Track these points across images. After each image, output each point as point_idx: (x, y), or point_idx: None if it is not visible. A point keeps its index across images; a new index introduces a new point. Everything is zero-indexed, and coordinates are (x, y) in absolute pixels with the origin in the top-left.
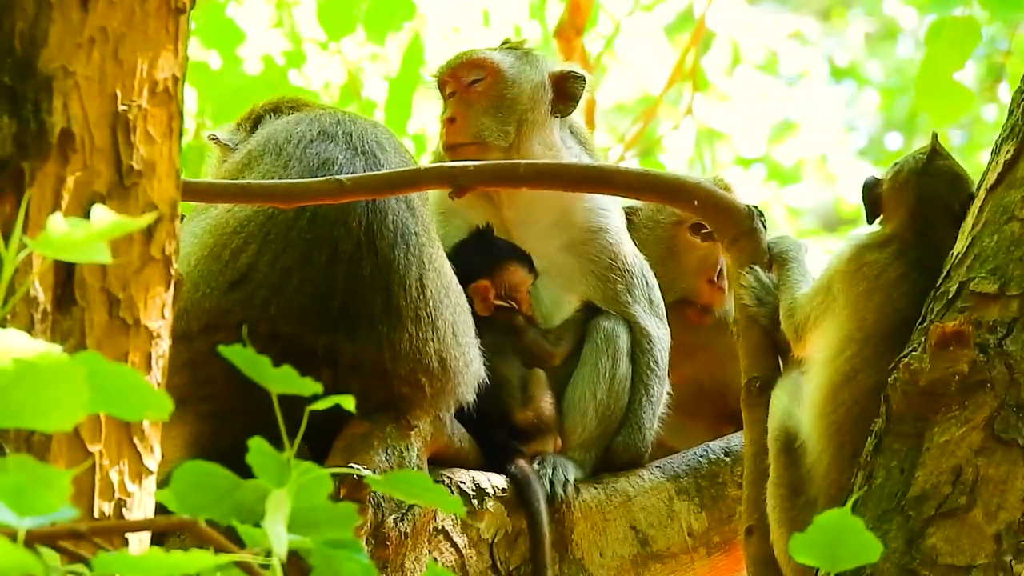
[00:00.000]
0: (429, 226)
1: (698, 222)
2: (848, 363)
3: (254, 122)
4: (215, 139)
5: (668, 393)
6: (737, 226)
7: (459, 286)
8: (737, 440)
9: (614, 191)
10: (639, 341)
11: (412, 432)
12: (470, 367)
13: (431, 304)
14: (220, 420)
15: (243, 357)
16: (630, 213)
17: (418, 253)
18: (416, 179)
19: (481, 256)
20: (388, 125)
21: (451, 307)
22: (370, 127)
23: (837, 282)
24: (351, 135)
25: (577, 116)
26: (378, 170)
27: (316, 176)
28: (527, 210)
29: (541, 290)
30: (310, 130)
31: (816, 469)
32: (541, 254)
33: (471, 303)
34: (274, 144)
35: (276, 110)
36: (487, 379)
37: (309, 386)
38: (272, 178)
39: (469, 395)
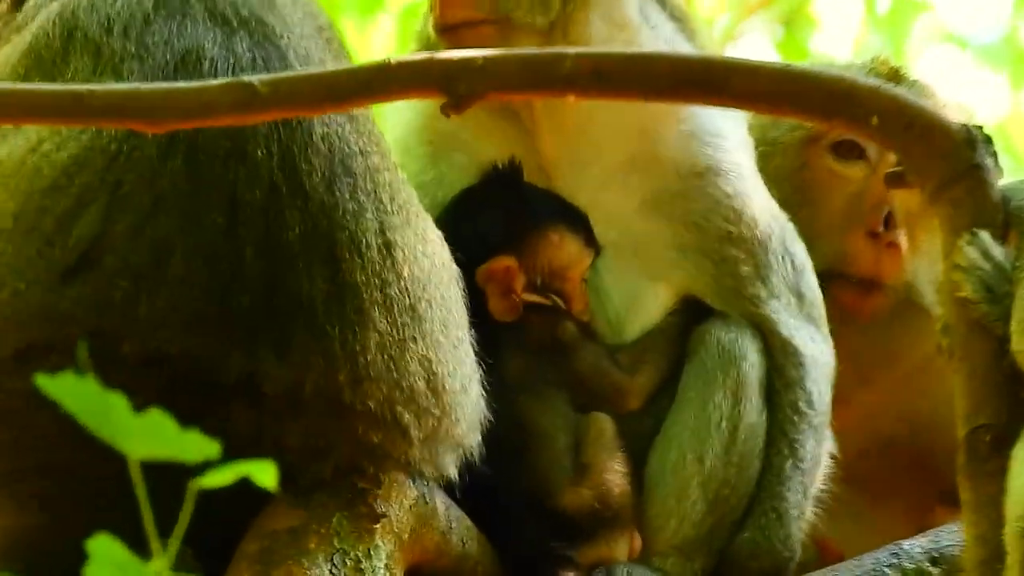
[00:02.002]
0: (377, 137)
1: (847, 138)
2: None
3: None
4: None
5: (832, 456)
6: (947, 162)
7: (439, 239)
8: (952, 536)
9: (732, 102)
10: (780, 365)
11: (378, 525)
12: (468, 392)
13: (406, 274)
14: (51, 506)
15: (78, 394)
16: None
17: (371, 187)
18: (383, 82)
19: (501, 215)
20: None
21: (435, 276)
22: None
23: None
24: None
25: None
26: (276, 47)
27: (176, 82)
28: (580, 137)
29: (606, 278)
30: (137, 1)
31: None
32: (607, 215)
33: (478, 298)
34: (81, 36)
35: None
36: (511, 435)
37: (196, 446)
38: None
39: (471, 442)
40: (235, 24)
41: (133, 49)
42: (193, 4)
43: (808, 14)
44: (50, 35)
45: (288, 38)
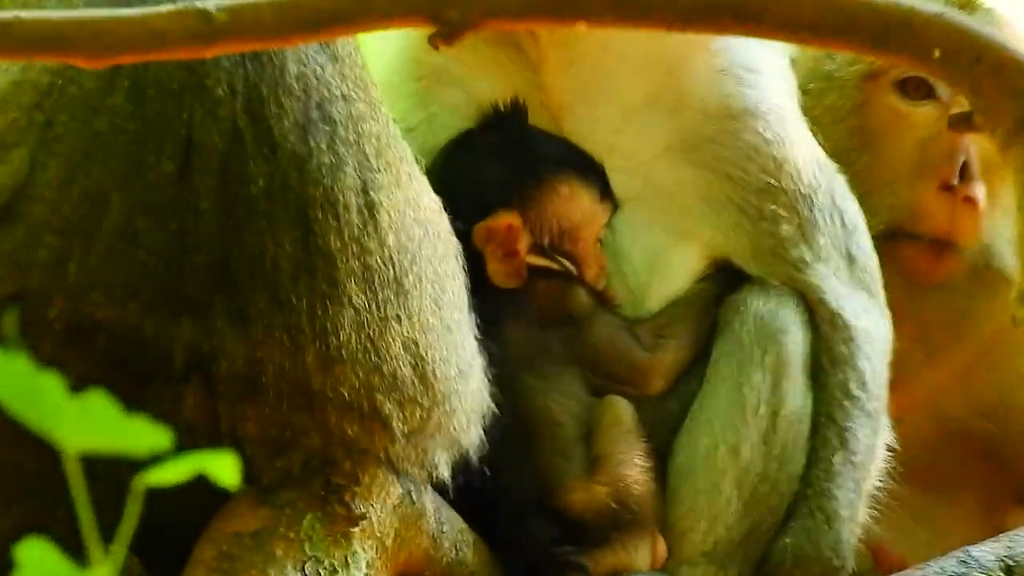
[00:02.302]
0: (366, 82)
1: (915, 74)
2: None
3: None
4: None
5: (889, 448)
6: (1022, 102)
7: (436, 205)
8: None
9: (771, 31)
10: (829, 341)
11: (358, 529)
12: (468, 380)
13: (391, 242)
14: None
15: (3, 373)
16: None
17: (354, 138)
18: (361, 8)
19: (502, 164)
20: None
21: (427, 247)
22: None
23: None
24: None
25: None
26: None
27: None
28: (595, 73)
29: (625, 238)
30: None
31: None
32: (624, 163)
33: (477, 260)
34: None
35: None
36: (512, 421)
37: (143, 436)
38: None
39: (469, 439)
40: None
41: None
42: None
43: None
44: None
45: None
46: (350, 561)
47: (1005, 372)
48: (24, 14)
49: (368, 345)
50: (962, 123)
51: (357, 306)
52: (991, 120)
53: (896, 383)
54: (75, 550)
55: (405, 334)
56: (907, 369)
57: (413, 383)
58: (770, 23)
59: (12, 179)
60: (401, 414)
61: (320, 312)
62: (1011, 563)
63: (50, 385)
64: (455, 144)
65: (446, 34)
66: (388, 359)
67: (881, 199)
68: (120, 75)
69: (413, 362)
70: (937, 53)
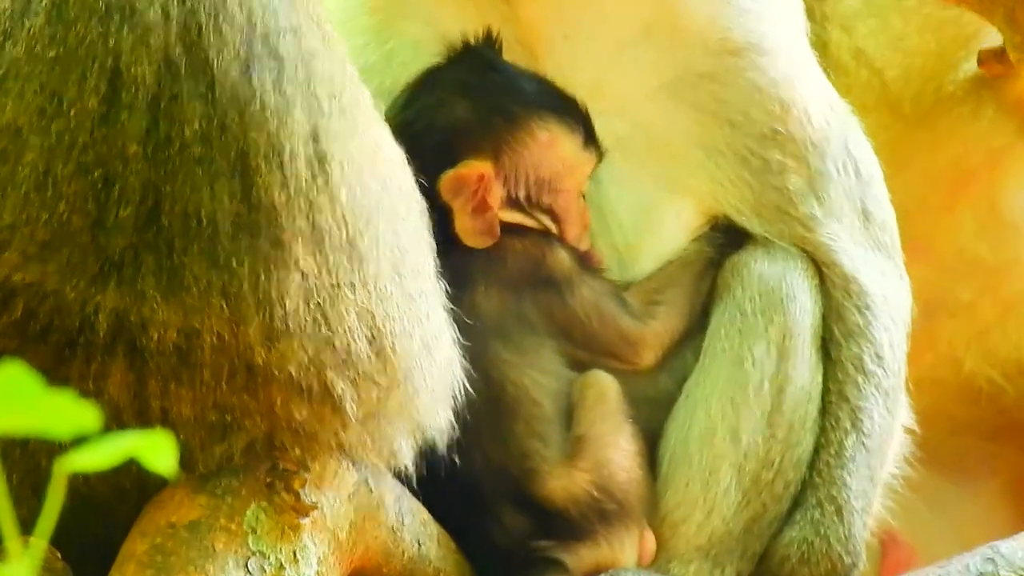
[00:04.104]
0: (320, 16)
1: None
2: None
3: None
4: None
5: (906, 428)
6: None
7: (399, 158)
8: None
9: None
10: (841, 309)
11: (308, 520)
12: (434, 354)
13: (343, 199)
14: None
15: None
16: None
17: (304, 78)
18: None
19: (472, 105)
20: None
21: (387, 205)
22: None
23: None
24: None
25: None
26: None
27: None
28: (577, 4)
29: (612, 189)
30: None
31: None
32: (611, 104)
33: (443, 216)
34: None
35: None
36: (483, 397)
37: (69, 414)
38: None
39: (437, 422)
40: None
41: None
42: None
43: None
44: None
45: None
46: (299, 556)
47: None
48: None
49: (318, 316)
50: (992, 59)
51: (305, 271)
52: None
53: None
54: None
55: (360, 303)
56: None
57: (369, 359)
58: None
59: None
60: (355, 394)
61: (263, 277)
62: None
63: None
64: (417, 83)
65: None
66: (340, 332)
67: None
68: None
69: (369, 335)
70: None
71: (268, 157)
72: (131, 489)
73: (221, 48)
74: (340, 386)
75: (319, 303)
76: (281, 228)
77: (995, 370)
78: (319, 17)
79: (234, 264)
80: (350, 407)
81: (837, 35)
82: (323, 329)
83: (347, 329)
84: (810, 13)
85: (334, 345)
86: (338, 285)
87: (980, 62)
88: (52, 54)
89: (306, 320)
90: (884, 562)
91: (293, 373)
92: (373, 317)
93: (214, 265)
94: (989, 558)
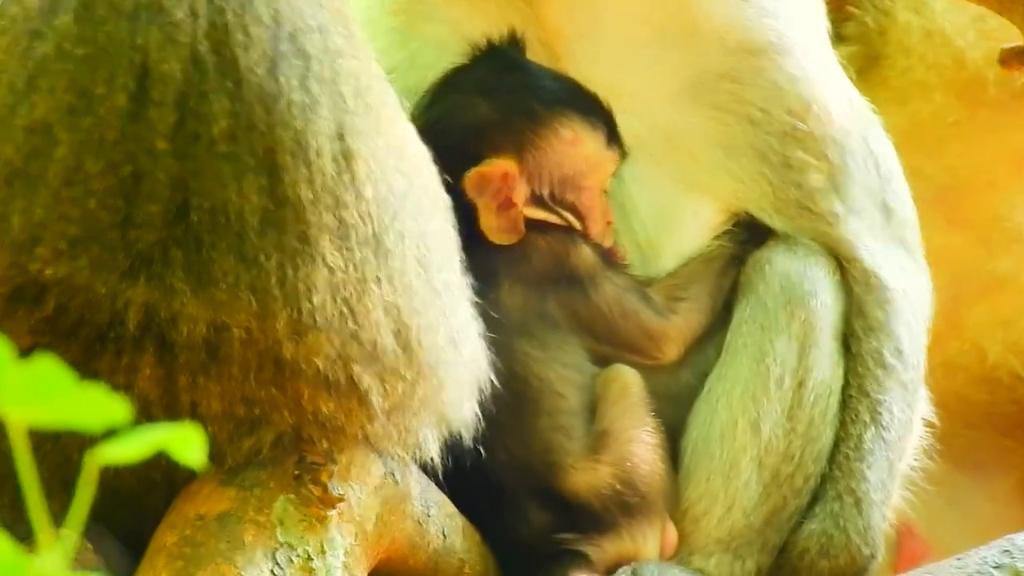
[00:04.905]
0: (346, 16)
1: None
2: None
3: None
4: None
5: (926, 423)
6: None
7: (424, 154)
8: None
9: None
10: (862, 304)
11: (335, 512)
12: (461, 349)
13: (369, 195)
14: None
15: None
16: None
17: (330, 76)
18: None
19: (496, 105)
20: None
21: (412, 202)
22: None
23: None
24: None
25: None
26: None
27: None
28: (598, 4)
29: (634, 187)
30: None
31: None
32: (632, 104)
33: (468, 213)
34: None
35: None
36: (507, 391)
37: (100, 407)
38: None
39: (462, 415)
40: None
41: None
42: None
43: None
44: None
45: None
46: (326, 548)
47: None
48: None
49: (344, 310)
50: (1014, 58)
51: (332, 266)
52: None
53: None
54: (22, 535)
55: (386, 298)
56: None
57: (395, 353)
58: None
59: None
60: (381, 388)
61: (291, 272)
62: None
63: None
64: (442, 82)
65: None
66: (367, 326)
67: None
68: None
69: (395, 329)
70: None
71: (294, 154)
72: (161, 482)
73: (248, 46)
74: (366, 380)
75: (345, 298)
76: (308, 224)
77: (1018, 360)
78: (345, 17)
79: (262, 259)
80: (376, 400)
81: (906, 17)
82: (350, 323)
83: (373, 323)
84: (869, 2)
85: (360, 339)
86: (364, 280)
87: (1001, 61)
88: (81, 52)
89: (333, 314)
90: (900, 553)
91: (320, 367)
92: (399, 311)
93: (242, 260)
94: (1006, 550)
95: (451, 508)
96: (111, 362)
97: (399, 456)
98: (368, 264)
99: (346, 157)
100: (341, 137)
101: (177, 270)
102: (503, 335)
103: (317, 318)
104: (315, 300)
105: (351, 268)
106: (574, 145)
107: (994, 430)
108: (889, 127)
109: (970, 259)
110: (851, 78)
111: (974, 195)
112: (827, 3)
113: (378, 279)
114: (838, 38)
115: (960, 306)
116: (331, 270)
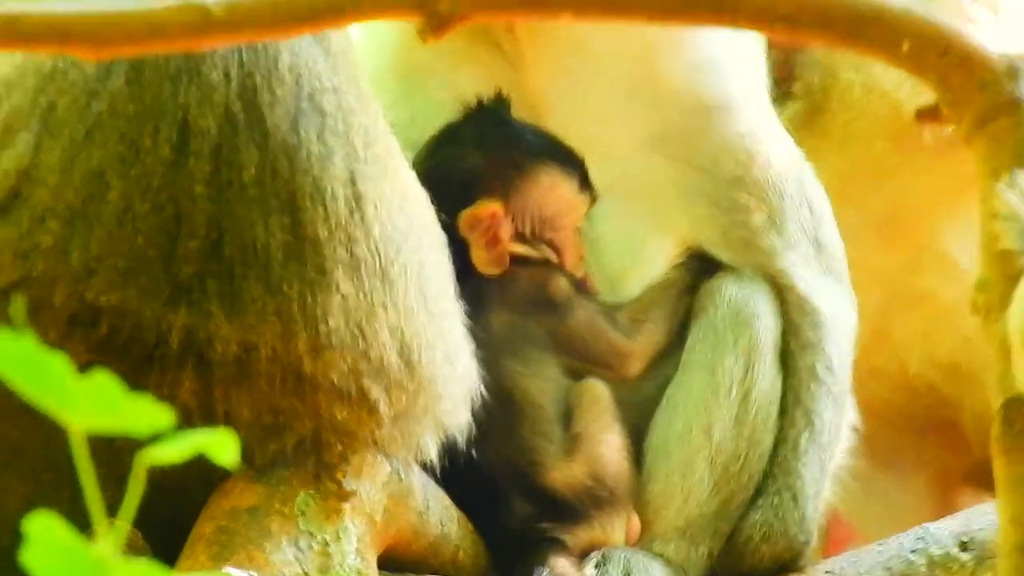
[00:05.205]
0: (358, 77)
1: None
2: None
3: None
4: None
5: (853, 428)
6: (986, 94)
7: (424, 198)
8: (984, 518)
9: (746, 23)
10: (797, 325)
11: (348, 504)
12: (455, 365)
13: (376, 232)
14: None
15: (11, 354)
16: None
17: (343, 130)
18: (353, 1)
19: (485, 156)
20: None
21: (413, 238)
22: None
23: None
24: None
25: None
26: None
27: None
28: (574, 68)
29: (603, 227)
30: None
31: None
32: (602, 155)
33: (461, 248)
34: None
35: None
36: (495, 401)
37: (146, 414)
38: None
39: (457, 421)
40: None
41: None
42: None
43: None
44: None
45: None
46: (341, 535)
47: (965, 335)
48: (32, 8)
49: (356, 332)
50: (929, 115)
51: (345, 293)
52: (956, 112)
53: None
54: (80, 527)
55: (391, 321)
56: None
57: (399, 368)
58: (745, 14)
59: (17, 163)
60: (388, 398)
61: (310, 299)
62: (965, 539)
63: (57, 366)
64: (440, 136)
65: (435, 26)
66: (375, 345)
67: None
68: (115, 64)
69: (399, 348)
70: (906, 46)
71: (313, 197)
72: (199, 480)
73: (273, 105)
74: (375, 391)
75: (357, 321)
76: (324, 257)
77: (933, 371)
78: (356, 79)
79: (285, 288)
80: (384, 409)
81: (847, 75)
82: (360, 343)
83: (380, 343)
84: (814, 65)
85: (369, 356)
86: (372, 306)
87: (917, 117)
88: (131, 110)
89: (346, 335)
90: (829, 539)
91: (335, 380)
92: (402, 333)
93: (268, 289)
94: (920, 537)
95: (448, 501)
96: (156, 377)
97: (403, 457)
98: (376, 292)
99: (357, 200)
100: (353, 183)
101: (213, 298)
102: (491, 353)
103: (332, 339)
104: (331, 323)
105: (361, 296)
106: (552, 190)
107: (911, 432)
108: (833, 169)
109: (900, 279)
110: (800, 129)
111: (908, 225)
112: (778, 65)
113: (384, 305)
114: (787, 96)
115: (888, 321)
116: (344, 297)
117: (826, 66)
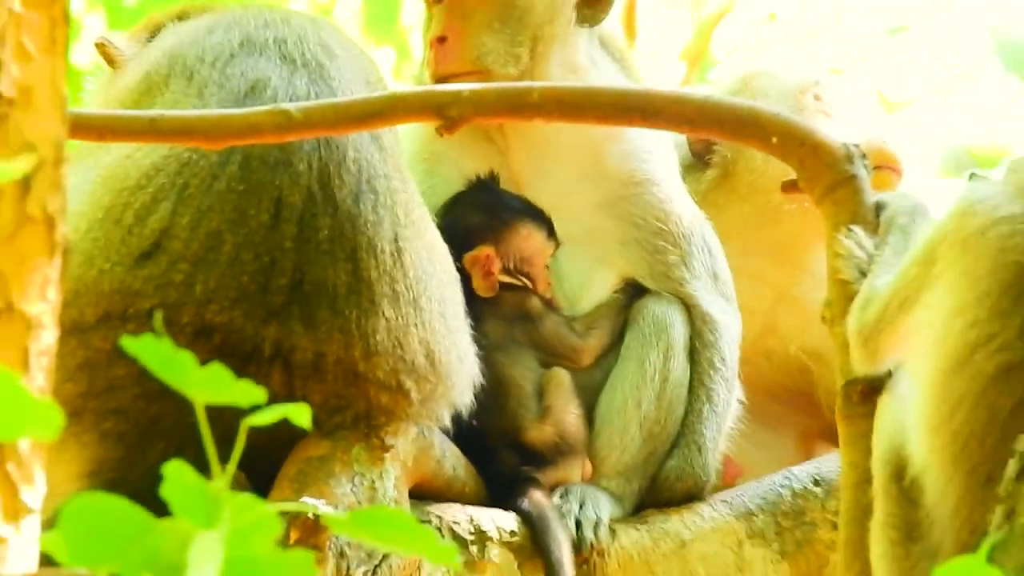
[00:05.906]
0: (402, 166)
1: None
2: (961, 339)
3: (152, 33)
4: (104, 45)
5: (739, 401)
6: (831, 172)
7: (445, 250)
8: (832, 463)
9: (665, 124)
10: (700, 331)
11: (388, 454)
12: (464, 363)
13: (411, 275)
14: (128, 440)
15: (155, 353)
16: (724, 163)
17: (390, 204)
18: (391, 108)
19: (482, 215)
20: (369, 25)
21: (436, 278)
22: (310, 26)
23: (943, 248)
24: (285, 41)
25: (612, 23)
26: (328, 85)
27: (244, 106)
28: (544, 154)
29: (564, 263)
30: (228, 39)
31: (940, 505)
32: (564, 214)
33: (466, 279)
34: (181, 63)
35: (182, 16)
36: (490, 384)
37: (247, 393)
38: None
39: (464, 400)
40: (299, 64)
41: (216, 77)
42: (270, 45)
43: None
44: (159, 64)
45: (339, 80)
46: (384, 476)
47: (825, 355)
48: (166, 113)
49: (395, 343)
50: (791, 187)
51: (388, 317)
52: (810, 185)
53: (746, 360)
54: (201, 471)
55: (420, 335)
56: (756, 346)
57: (425, 367)
58: (664, 118)
59: (160, 224)
60: (417, 387)
61: (363, 321)
62: (818, 478)
63: (186, 360)
64: (451, 201)
65: (447, 127)
66: (408, 352)
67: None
68: (234, 152)
69: (425, 353)
70: (775, 139)
71: (368, 251)
72: (285, 437)
73: (341, 187)
74: (408, 383)
75: (396, 336)
76: (374, 292)
77: (804, 355)
78: (400, 166)
79: (346, 313)
80: (414, 395)
81: (745, 163)
82: (398, 351)
83: (412, 350)
84: (724, 160)
85: (405, 359)
86: (407, 325)
87: (783, 189)
88: (241, 188)
89: (388, 346)
90: (724, 477)
91: (380, 377)
92: (428, 343)
93: (334, 314)
94: (787, 476)
95: (458, 452)
96: (253, 374)
97: (426, 423)
98: (410, 316)
99: (398, 253)
100: (396, 241)
101: (295, 320)
102: (487, 351)
103: (379, 348)
104: (378, 337)
105: (399, 319)
106: (528, 239)
107: (785, 401)
108: (740, 214)
109: (786, 288)
110: (716, 188)
111: (793, 251)
112: (700, 144)
113: (416, 324)
114: (707, 164)
115: (776, 317)
116: (387, 320)
117: (734, 143)
